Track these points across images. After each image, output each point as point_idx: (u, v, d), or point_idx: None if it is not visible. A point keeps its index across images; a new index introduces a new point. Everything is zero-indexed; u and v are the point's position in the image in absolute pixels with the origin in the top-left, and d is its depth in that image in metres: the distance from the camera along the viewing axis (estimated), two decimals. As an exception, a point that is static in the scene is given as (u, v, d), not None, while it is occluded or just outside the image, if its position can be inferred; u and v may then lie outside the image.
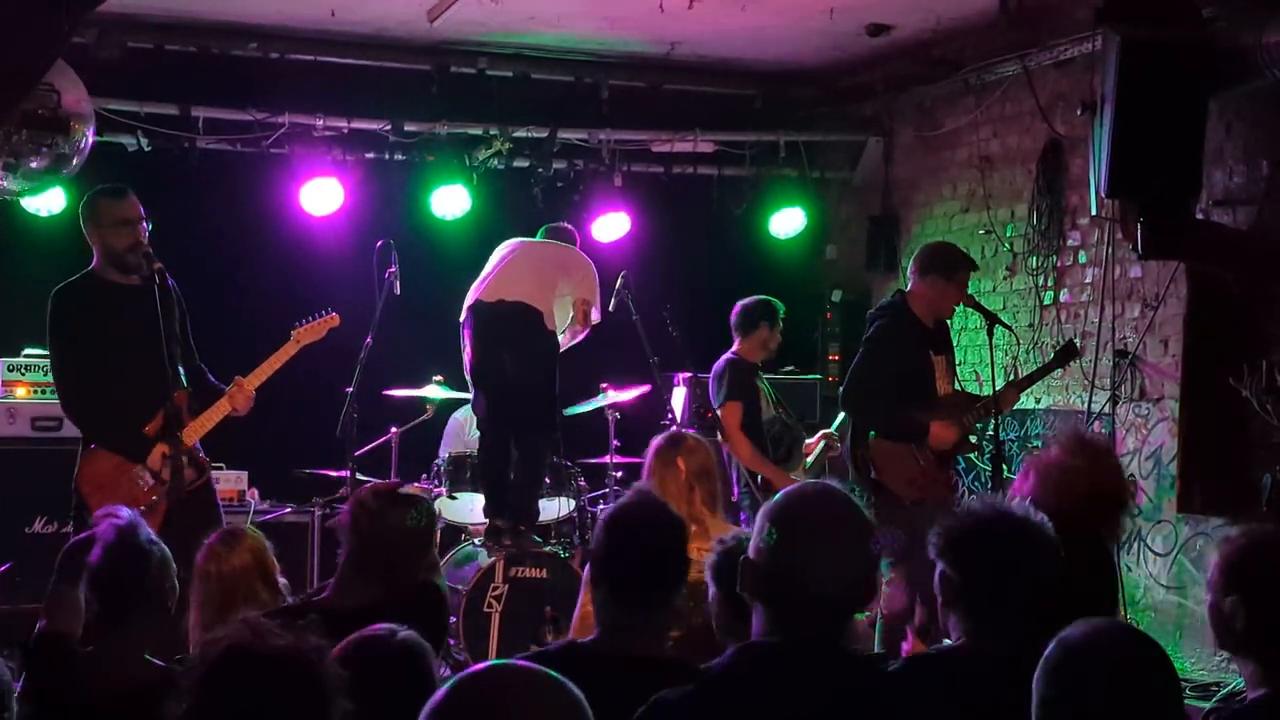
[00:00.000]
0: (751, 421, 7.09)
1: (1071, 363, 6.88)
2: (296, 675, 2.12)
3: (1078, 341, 7.19)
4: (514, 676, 1.85)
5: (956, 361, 8.53)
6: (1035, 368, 7.08)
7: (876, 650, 6.34)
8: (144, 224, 5.58)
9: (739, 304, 7.31)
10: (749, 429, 7.06)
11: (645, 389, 7.72)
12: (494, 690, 1.82)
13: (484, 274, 7.24)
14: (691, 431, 5.89)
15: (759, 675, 2.49)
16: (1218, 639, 2.84)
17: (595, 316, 7.19)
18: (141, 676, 3.39)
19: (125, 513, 3.60)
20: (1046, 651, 2.38)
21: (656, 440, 4.98)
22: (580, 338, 7.24)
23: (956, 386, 6.67)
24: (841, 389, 6.61)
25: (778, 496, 2.64)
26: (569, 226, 7.80)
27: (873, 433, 6.40)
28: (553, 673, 1.84)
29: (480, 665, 1.88)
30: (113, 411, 5.47)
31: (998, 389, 6.50)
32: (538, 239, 7.51)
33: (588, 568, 4.68)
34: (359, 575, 3.57)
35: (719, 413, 7.08)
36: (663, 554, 3.03)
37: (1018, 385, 6.73)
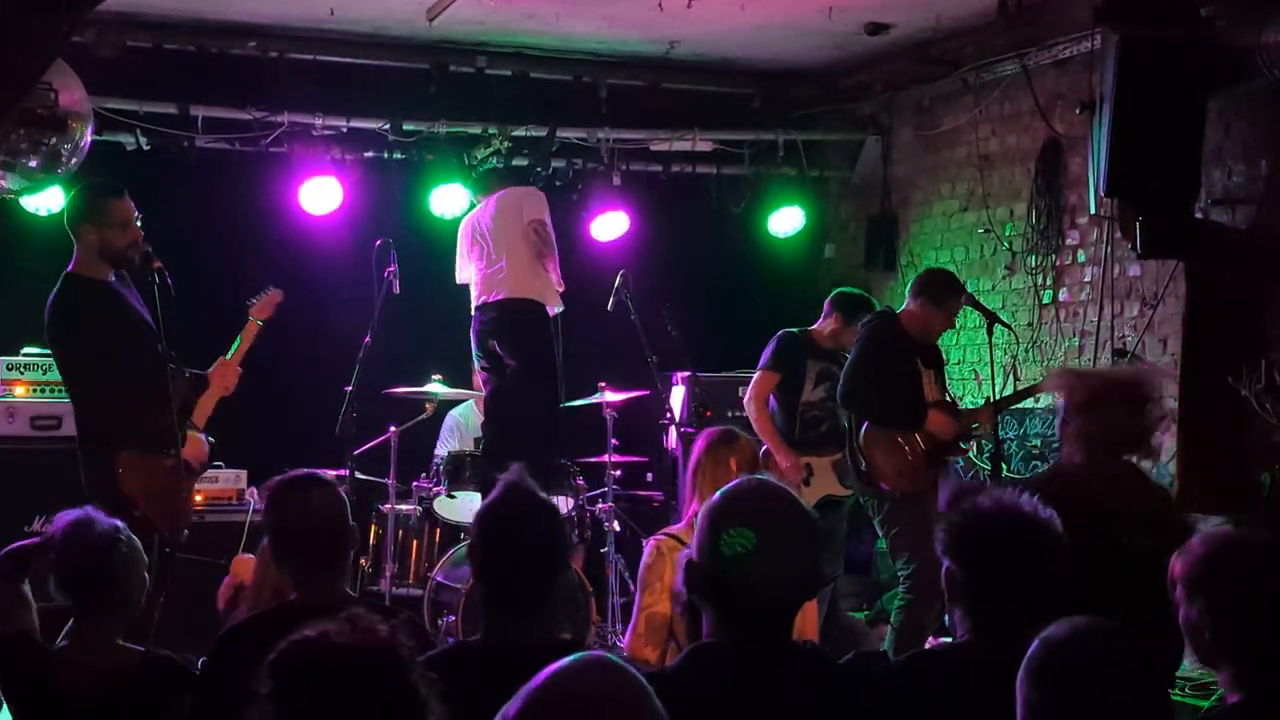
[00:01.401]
0: (787, 397, 7.13)
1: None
2: (390, 675, 2.02)
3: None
4: (600, 684, 1.77)
5: (955, 360, 8.60)
6: (1023, 387, 7.27)
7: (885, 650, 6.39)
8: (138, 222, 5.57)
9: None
10: (781, 402, 7.11)
11: (644, 392, 7.74)
12: (580, 699, 1.75)
13: (473, 276, 7.23)
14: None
15: (708, 675, 2.54)
16: (1192, 648, 2.84)
17: (551, 233, 7.10)
18: (120, 664, 3.43)
19: (85, 509, 3.60)
20: (1029, 653, 2.37)
21: (709, 433, 4.94)
22: (555, 266, 7.10)
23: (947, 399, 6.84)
24: (839, 387, 6.67)
25: (716, 495, 2.66)
26: (498, 165, 7.85)
27: (864, 426, 6.52)
28: (639, 675, 1.80)
29: (561, 669, 1.78)
30: (142, 407, 5.38)
31: (991, 400, 6.73)
32: (483, 196, 7.48)
33: (644, 569, 4.66)
34: (317, 568, 3.47)
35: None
36: (540, 545, 3.01)
37: (1005, 402, 6.95)
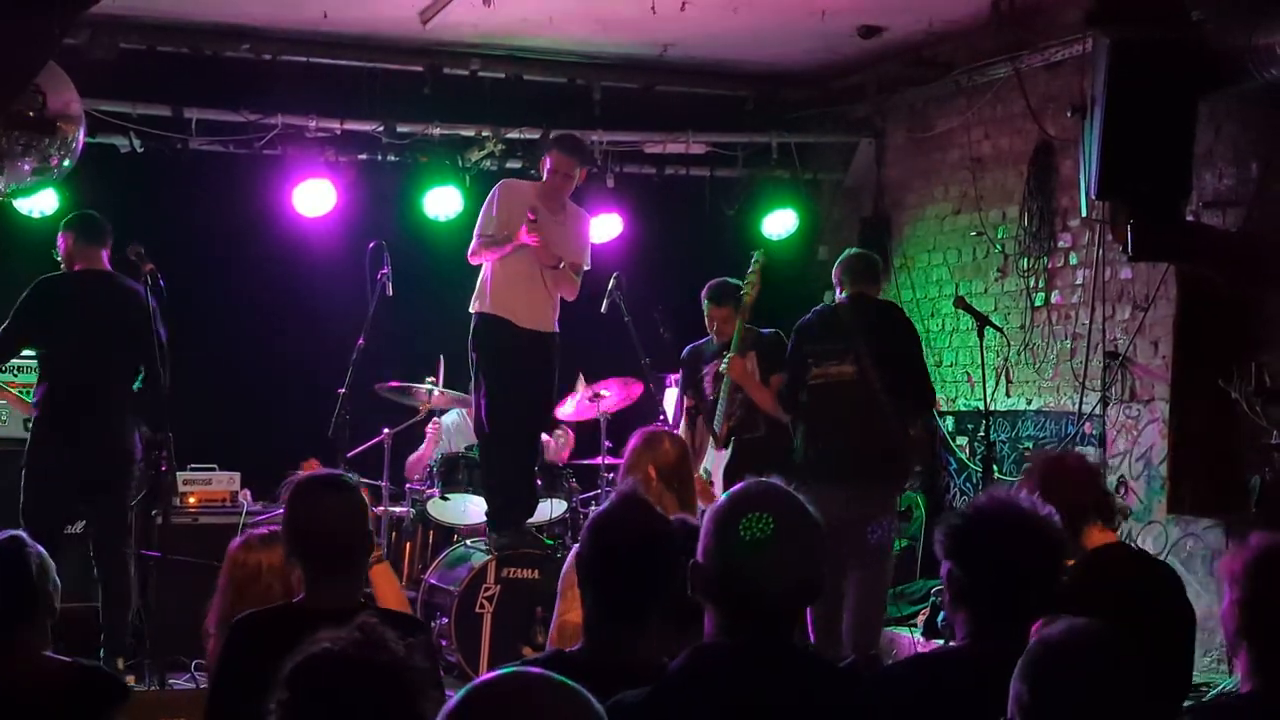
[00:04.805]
0: (703, 411, 7.12)
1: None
2: (397, 697, 2.01)
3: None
4: (532, 684, 1.75)
5: (948, 363, 8.62)
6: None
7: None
8: None
9: None
10: (707, 418, 7.08)
11: (637, 390, 7.74)
12: (512, 699, 1.74)
13: None
14: (668, 429, 5.91)
15: (711, 676, 2.52)
16: (1225, 631, 2.89)
17: (487, 256, 6.88)
18: (50, 673, 3.43)
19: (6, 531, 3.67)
20: (1026, 650, 2.38)
21: (633, 439, 4.99)
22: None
23: None
24: (922, 384, 6.41)
25: (722, 497, 2.65)
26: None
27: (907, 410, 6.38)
28: (571, 683, 1.78)
29: (493, 674, 1.79)
30: None
31: None
32: None
33: (562, 577, 4.68)
34: (327, 572, 3.41)
35: None
36: (648, 559, 2.92)
37: None
